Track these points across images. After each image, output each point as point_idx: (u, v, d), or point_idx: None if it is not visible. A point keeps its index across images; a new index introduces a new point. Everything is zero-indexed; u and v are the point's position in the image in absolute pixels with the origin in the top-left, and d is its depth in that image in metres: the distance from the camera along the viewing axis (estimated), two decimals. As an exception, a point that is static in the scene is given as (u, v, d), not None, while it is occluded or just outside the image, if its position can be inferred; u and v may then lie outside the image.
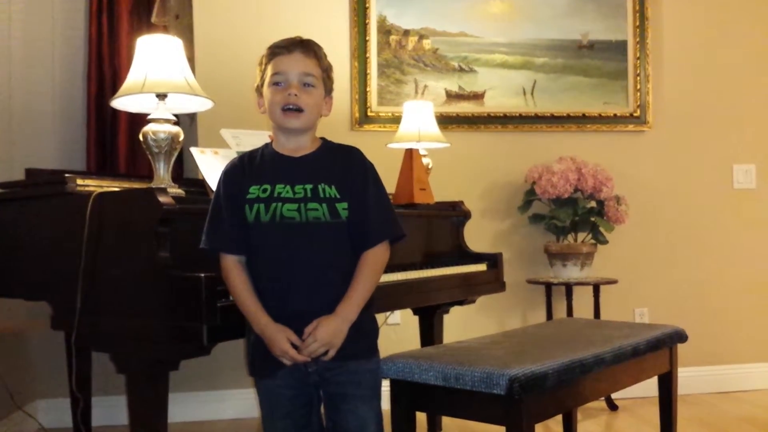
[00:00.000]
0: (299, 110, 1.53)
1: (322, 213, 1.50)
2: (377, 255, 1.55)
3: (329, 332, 1.47)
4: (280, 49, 1.55)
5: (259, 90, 1.61)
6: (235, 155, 2.12)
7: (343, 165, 1.57)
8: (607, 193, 3.07)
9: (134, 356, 1.67)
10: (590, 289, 3.14)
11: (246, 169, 1.57)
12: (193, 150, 2.09)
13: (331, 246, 1.52)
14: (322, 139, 1.63)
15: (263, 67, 1.58)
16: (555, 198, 3.08)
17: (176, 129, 1.96)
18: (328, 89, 1.61)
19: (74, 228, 1.78)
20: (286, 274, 1.50)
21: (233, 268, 1.53)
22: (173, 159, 1.98)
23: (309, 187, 1.51)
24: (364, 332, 1.56)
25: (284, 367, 1.51)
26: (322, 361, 1.51)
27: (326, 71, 1.59)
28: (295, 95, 1.52)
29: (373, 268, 1.54)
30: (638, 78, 3.37)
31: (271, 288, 1.52)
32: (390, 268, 1.97)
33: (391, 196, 2.60)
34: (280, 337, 1.47)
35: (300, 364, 1.51)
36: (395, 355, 1.76)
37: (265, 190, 1.52)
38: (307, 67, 1.55)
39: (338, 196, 1.52)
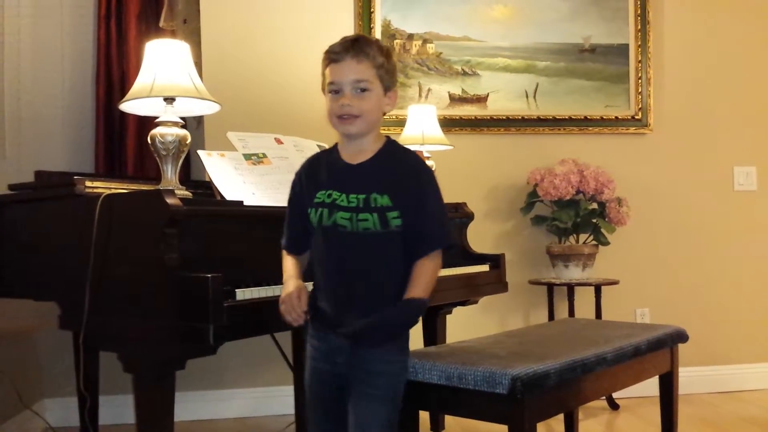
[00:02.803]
0: (355, 116, 1.52)
1: (373, 223, 1.48)
2: (427, 265, 1.52)
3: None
4: (334, 55, 1.52)
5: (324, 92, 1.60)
6: (241, 158, 2.17)
7: (398, 172, 1.53)
8: (609, 195, 3.09)
9: (141, 356, 1.68)
10: (592, 289, 3.16)
11: (311, 173, 1.60)
12: (201, 153, 2.12)
13: (381, 256, 1.51)
14: (387, 139, 1.60)
15: (322, 71, 1.57)
16: (557, 200, 3.10)
17: (184, 132, 1.99)
18: (387, 85, 1.55)
19: (83, 229, 1.81)
20: (338, 280, 1.52)
21: (286, 256, 1.61)
22: (181, 161, 2.01)
23: (362, 197, 1.49)
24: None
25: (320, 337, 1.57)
26: (348, 355, 1.53)
27: (382, 68, 1.53)
28: (349, 105, 1.50)
29: (425, 277, 1.51)
30: (640, 81, 3.39)
31: (325, 291, 1.55)
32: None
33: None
34: (289, 288, 1.53)
35: (331, 355, 1.55)
36: (399, 354, 1.78)
37: (329, 195, 1.52)
38: (359, 73, 1.51)
39: (391, 204, 1.49)
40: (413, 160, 1.58)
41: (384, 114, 1.59)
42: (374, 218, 1.48)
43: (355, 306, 1.51)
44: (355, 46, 1.52)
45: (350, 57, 1.51)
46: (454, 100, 3.31)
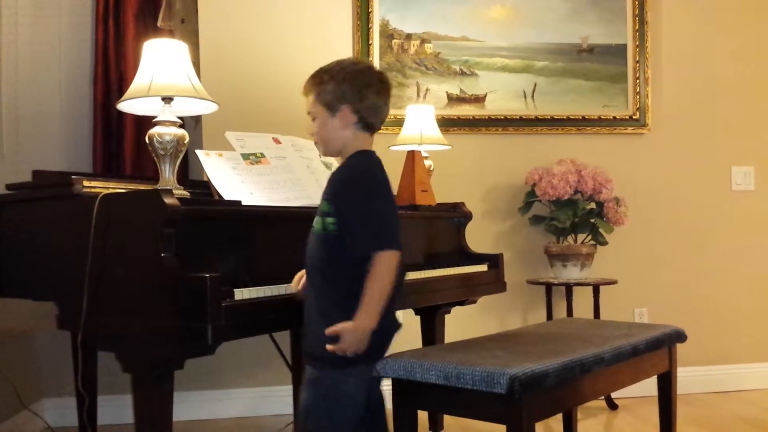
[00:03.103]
0: (316, 141, 1.77)
1: (320, 226, 1.67)
2: (372, 269, 1.61)
3: (348, 340, 1.59)
4: None
5: None
6: (239, 158, 2.17)
7: (334, 181, 1.70)
8: (607, 195, 3.10)
9: (140, 356, 1.68)
10: (590, 289, 3.16)
11: None
12: (199, 152, 2.11)
13: (322, 256, 1.67)
14: (355, 153, 1.73)
15: None
16: (555, 199, 3.10)
17: (182, 132, 1.98)
18: (333, 107, 1.70)
19: (81, 229, 1.80)
20: (307, 272, 1.75)
21: None
22: (179, 161, 2.00)
23: (319, 202, 1.71)
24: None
25: None
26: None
27: (321, 94, 1.70)
28: (311, 133, 1.77)
29: (371, 280, 1.60)
30: (637, 81, 3.40)
31: None
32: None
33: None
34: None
35: None
36: (397, 354, 1.78)
37: None
38: (307, 105, 1.75)
39: (329, 211, 1.66)
40: (345, 170, 1.72)
41: (372, 131, 1.75)
42: (320, 222, 1.68)
43: (309, 299, 1.71)
44: (304, 85, 1.76)
45: (303, 95, 1.77)
46: (452, 100, 3.31)
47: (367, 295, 1.59)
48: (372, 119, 1.72)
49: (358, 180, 1.68)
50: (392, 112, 3.17)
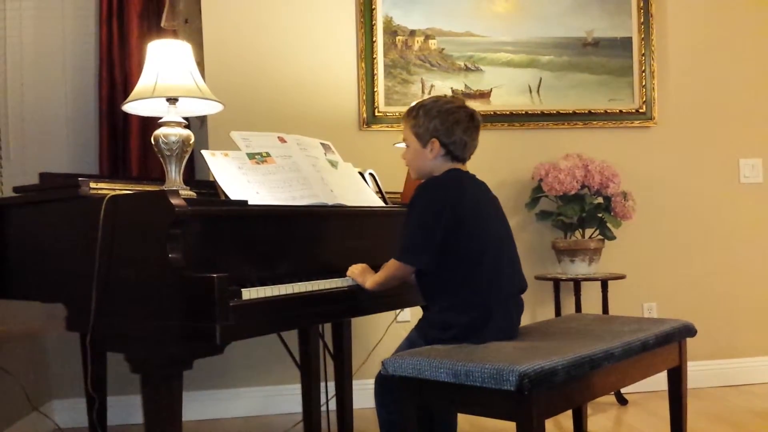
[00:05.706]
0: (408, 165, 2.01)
1: None
2: (384, 266, 1.92)
3: (358, 271, 1.97)
4: None
5: None
6: (245, 157, 2.17)
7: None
8: (614, 189, 3.08)
9: (148, 356, 1.68)
10: (598, 284, 3.15)
11: None
12: (204, 152, 2.11)
13: None
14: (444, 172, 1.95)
15: None
16: (562, 194, 3.09)
17: (187, 132, 1.98)
18: (424, 139, 1.91)
19: (88, 230, 1.80)
20: None
21: None
22: (184, 162, 2.00)
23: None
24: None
25: None
26: None
27: (416, 127, 1.91)
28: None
29: (380, 270, 1.93)
30: (643, 74, 3.38)
31: None
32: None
33: (399, 196, 2.63)
34: None
35: None
36: (405, 352, 1.78)
37: None
38: (403, 133, 1.98)
39: None
40: (425, 182, 1.93)
41: (460, 162, 1.98)
42: None
43: None
44: (404, 113, 1.98)
45: (401, 121, 2.00)
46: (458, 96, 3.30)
47: (378, 273, 1.90)
48: (459, 153, 1.94)
49: (414, 195, 1.87)
50: (397, 108, 3.22)
